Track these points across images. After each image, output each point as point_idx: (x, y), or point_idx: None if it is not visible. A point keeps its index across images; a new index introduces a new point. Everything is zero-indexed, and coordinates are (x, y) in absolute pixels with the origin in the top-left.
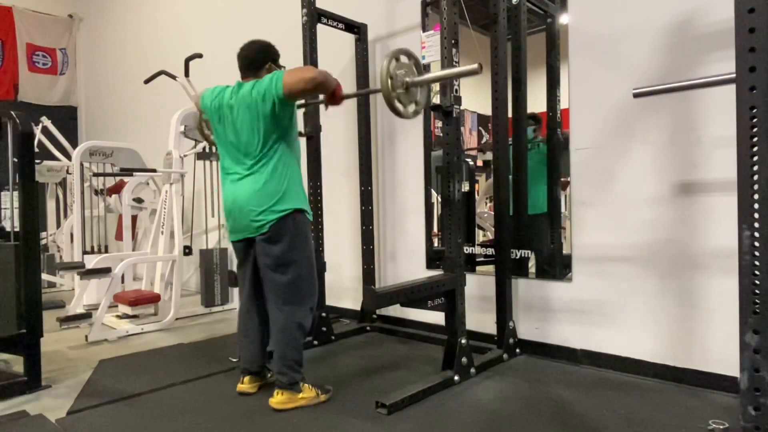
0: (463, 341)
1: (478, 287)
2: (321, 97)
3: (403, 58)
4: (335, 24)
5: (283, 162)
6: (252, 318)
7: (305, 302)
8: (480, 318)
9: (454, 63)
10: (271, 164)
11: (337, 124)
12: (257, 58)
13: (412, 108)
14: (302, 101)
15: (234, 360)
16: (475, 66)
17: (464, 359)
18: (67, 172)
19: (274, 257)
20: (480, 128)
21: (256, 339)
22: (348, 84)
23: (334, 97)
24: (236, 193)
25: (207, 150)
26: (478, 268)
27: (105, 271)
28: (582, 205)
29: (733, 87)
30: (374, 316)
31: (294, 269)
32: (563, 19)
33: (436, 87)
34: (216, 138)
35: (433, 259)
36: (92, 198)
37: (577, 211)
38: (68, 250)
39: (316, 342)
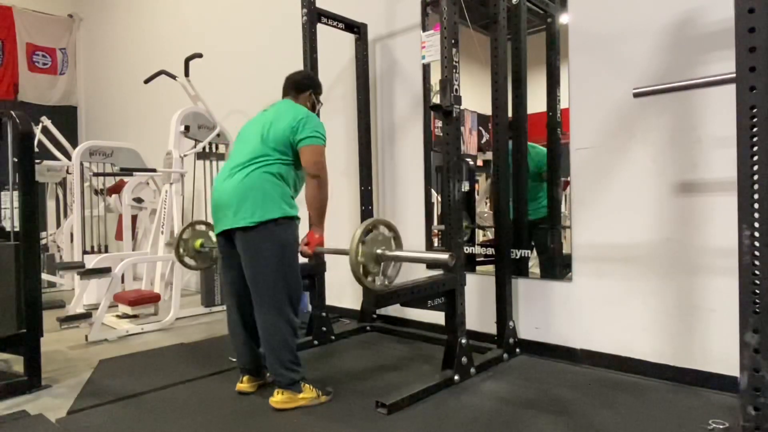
0: (463, 341)
1: (478, 287)
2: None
3: (384, 230)
4: (335, 24)
5: (280, 171)
6: (238, 318)
7: (290, 302)
8: (480, 318)
9: (454, 63)
10: (269, 168)
11: (337, 124)
12: (303, 83)
13: (379, 281)
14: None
15: (234, 360)
16: (446, 257)
17: (464, 359)
18: (67, 172)
19: (255, 262)
20: (480, 128)
21: (246, 339)
22: (348, 83)
23: (313, 240)
24: (225, 183)
25: (207, 150)
26: (478, 268)
27: (105, 271)
28: (582, 205)
29: (733, 87)
30: (374, 315)
31: (275, 274)
32: (563, 19)
33: (436, 87)
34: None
35: None
36: (92, 198)
37: (577, 210)
38: (68, 250)
39: (316, 342)
